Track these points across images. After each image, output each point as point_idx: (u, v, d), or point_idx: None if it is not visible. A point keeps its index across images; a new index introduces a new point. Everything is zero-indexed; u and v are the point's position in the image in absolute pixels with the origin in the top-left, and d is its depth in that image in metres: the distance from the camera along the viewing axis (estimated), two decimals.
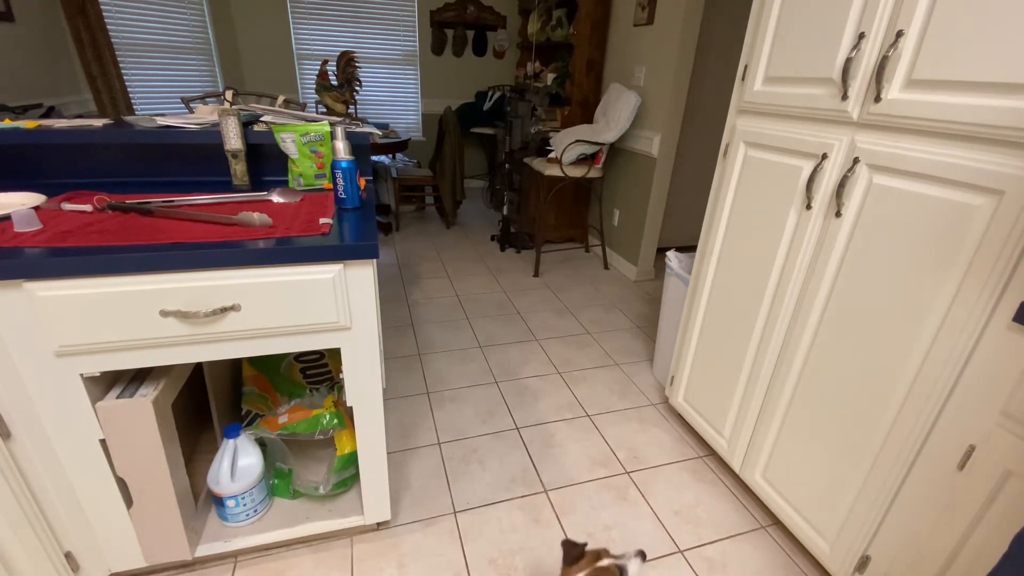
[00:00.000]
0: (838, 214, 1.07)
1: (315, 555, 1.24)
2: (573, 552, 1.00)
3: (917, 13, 0.88)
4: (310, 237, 0.93)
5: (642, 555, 1.00)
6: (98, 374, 0.93)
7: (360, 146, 1.40)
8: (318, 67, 2.50)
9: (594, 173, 2.94)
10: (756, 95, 1.28)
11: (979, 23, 0.80)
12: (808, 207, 1.14)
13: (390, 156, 4.16)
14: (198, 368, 1.30)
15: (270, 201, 1.15)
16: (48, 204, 1.03)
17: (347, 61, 2.03)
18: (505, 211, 3.55)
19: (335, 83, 2.00)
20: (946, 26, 0.84)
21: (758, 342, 1.33)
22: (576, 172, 2.86)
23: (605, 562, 0.99)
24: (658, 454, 1.64)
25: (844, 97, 1.03)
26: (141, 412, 0.95)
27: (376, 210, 3.35)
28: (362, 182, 1.19)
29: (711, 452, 1.66)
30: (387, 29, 4.36)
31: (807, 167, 1.14)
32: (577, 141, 2.81)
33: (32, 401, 0.89)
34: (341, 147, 1.07)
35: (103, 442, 0.96)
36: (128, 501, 1.03)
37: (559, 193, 3.25)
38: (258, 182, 1.35)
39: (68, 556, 1.03)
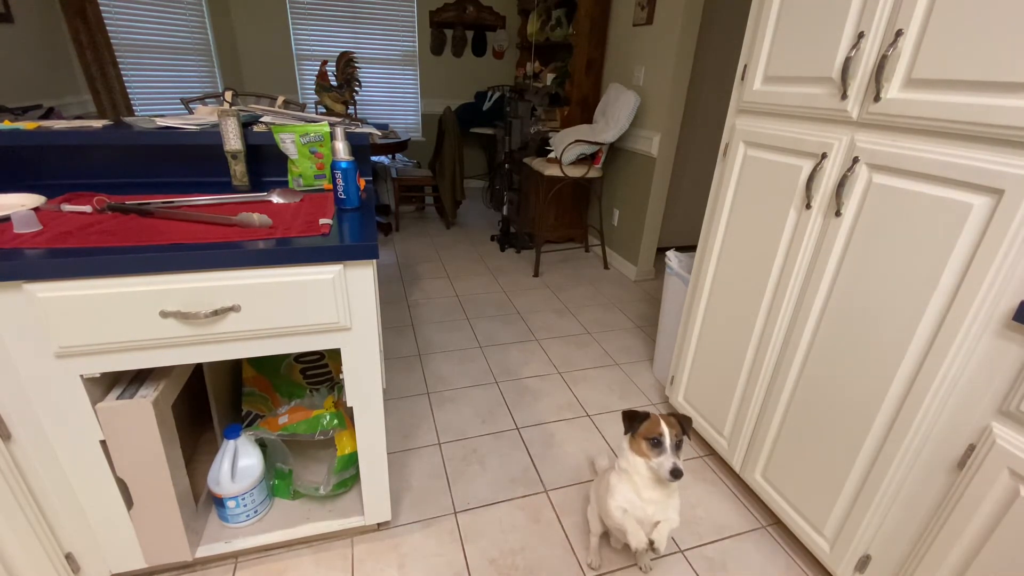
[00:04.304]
0: (838, 213, 1.07)
1: (315, 555, 1.24)
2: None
3: (916, 12, 0.88)
4: (310, 238, 0.93)
5: (676, 472, 1.02)
6: (98, 375, 0.92)
7: (360, 146, 1.40)
8: (317, 68, 2.50)
9: (594, 173, 2.94)
10: (756, 94, 1.28)
11: (978, 22, 0.80)
12: (808, 206, 1.14)
13: (390, 156, 4.16)
14: (198, 369, 1.30)
15: (270, 202, 1.15)
16: (48, 205, 1.03)
17: (346, 62, 2.03)
18: (505, 211, 3.56)
19: (335, 84, 2.00)
20: (945, 25, 0.84)
21: (758, 341, 1.33)
22: (576, 172, 2.86)
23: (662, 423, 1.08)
24: None
25: (844, 96, 1.03)
26: (141, 413, 0.95)
27: (376, 210, 3.35)
28: (362, 182, 1.19)
29: (711, 452, 1.66)
30: (386, 29, 4.37)
31: (807, 166, 1.14)
32: (577, 141, 2.81)
33: (32, 402, 0.89)
34: (341, 147, 1.07)
35: (103, 443, 0.96)
36: (128, 502, 1.03)
37: (559, 193, 3.25)
38: (258, 183, 1.35)
39: (68, 557, 1.03)
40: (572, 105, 3.25)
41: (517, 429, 1.73)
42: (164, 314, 0.86)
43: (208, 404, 1.31)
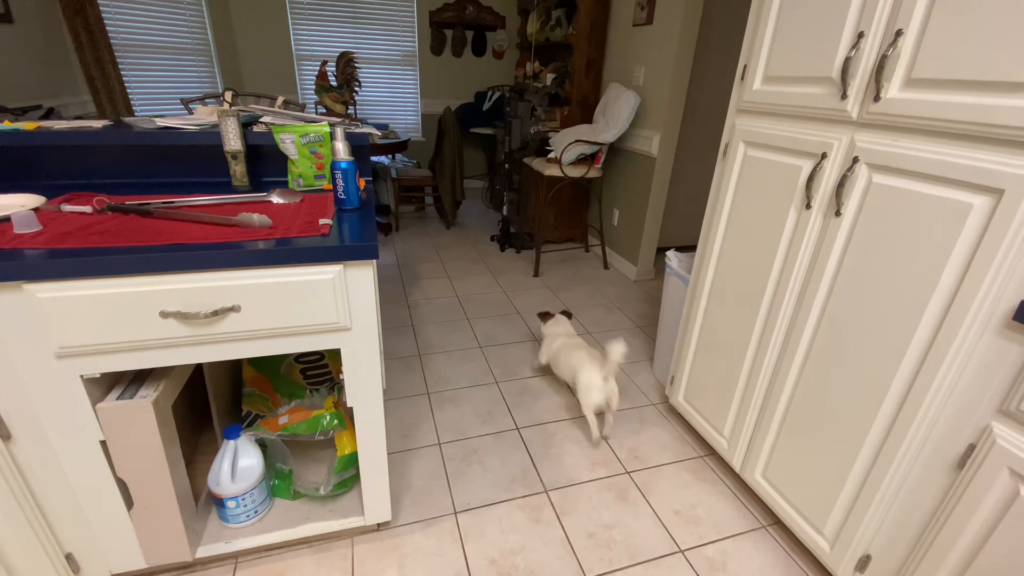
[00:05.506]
0: (837, 213, 1.07)
1: (316, 556, 1.24)
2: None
3: (916, 12, 0.88)
4: (310, 238, 0.93)
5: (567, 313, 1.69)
6: (98, 375, 0.92)
7: (359, 147, 1.40)
8: (317, 68, 2.50)
9: (594, 173, 2.94)
10: (755, 94, 1.28)
11: (978, 22, 0.80)
12: (808, 206, 1.14)
13: (389, 156, 4.16)
14: (198, 369, 1.30)
15: (270, 202, 1.15)
16: (48, 206, 1.03)
17: (346, 62, 2.03)
18: (505, 211, 3.55)
19: (334, 84, 1.99)
20: (945, 25, 0.84)
21: (758, 341, 1.33)
22: (576, 172, 2.86)
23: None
24: (658, 454, 1.64)
25: (843, 96, 1.03)
26: (141, 413, 0.95)
27: (376, 210, 3.34)
28: (362, 183, 1.19)
29: (711, 451, 1.66)
30: (386, 29, 4.37)
31: (807, 166, 1.14)
32: (576, 141, 2.82)
33: (32, 403, 0.89)
34: (341, 148, 1.07)
35: (103, 443, 0.96)
36: (128, 502, 1.03)
37: (559, 193, 3.25)
38: (258, 183, 1.35)
39: (68, 558, 1.03)
40: (572, 105, 3.25)
41: (517, 429, 1.73)
42: (164, 314, 0.86)
43: (208, 404, 1.31)
